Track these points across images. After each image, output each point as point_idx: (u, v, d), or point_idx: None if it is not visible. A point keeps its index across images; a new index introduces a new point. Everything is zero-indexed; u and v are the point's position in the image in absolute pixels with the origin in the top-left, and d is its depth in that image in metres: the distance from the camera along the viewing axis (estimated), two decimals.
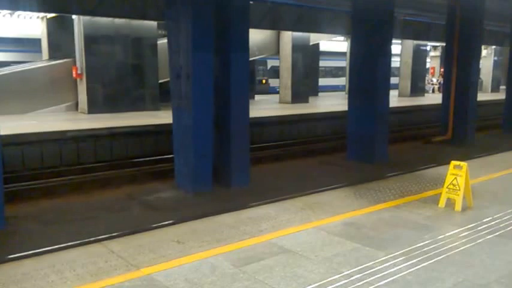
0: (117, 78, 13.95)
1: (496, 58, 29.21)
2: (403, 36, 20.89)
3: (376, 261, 4.21)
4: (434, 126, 15.40)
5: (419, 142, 14.06)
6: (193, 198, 7.77)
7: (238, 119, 8.34)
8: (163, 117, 12.07)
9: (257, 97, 21.54)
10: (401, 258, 4.27)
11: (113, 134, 10.86)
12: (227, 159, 8.37)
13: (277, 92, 20.60)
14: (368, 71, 10.48)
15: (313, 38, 19.84)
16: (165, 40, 10.42)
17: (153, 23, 14.36)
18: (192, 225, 5.21)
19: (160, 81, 14.76)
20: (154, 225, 5.68)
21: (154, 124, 11.54)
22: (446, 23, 13.77)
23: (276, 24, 16.44)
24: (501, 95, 21.72)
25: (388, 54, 10.78)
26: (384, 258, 4.28)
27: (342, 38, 24.31)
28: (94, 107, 13.59)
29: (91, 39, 13.45)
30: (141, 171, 9.93)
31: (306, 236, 4.83)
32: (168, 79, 8.62)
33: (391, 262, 4.19)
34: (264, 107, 17.43)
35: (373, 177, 7.76)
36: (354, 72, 11.13)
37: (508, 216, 5.57)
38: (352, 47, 11.25)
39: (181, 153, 8.18)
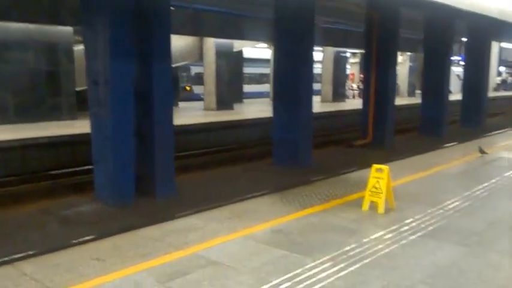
0: (30, 87, 13.07)
1: (411, 64, 30.87)
2: (324, 43, 21.50)
3: (305, 267, 4.17)
4: (356, 130, 15.93)
5: (341, 146, 14.46)
6: (115, 211, 7.37)
7: (162, 127, 8.08)
8: (81, 126, 11.46)
9: (181, 104, 21.20)
10: (329, 264, 4.26)
11: (24, 145, 10.11)
12: (151, 169, 8.07)
13: (202, 99, 20.41)
14: (291, 78, 10.59)
15: (237, 44, 19.86)
16: (82, 46, 9.90)
17: (69, 28, 13.64)
18: (114, 240, 4.89)
19: (77, 89, 14.03)
20: (72, 242, 5.29)
21: (71, 134, 10.92)
22: (364, 30, 14.32)
23: (198, 30, 16.25)
24: (417, 100, 23.03)
25: (310, 61, 10.97)
26: (312, 264, 4.25)
27: (265, 45, 24.56)
28: (4, 118, 12.61)
29: (1, 46, 12.49)
30: (58, 184, 9.33)
31: (233, 246, 4.71)
32: (86, 87, 8.18)
33: (320, 268, 4.17)
34: (188, 114, 17.16)
35: (299, 182, 7.80)
36: (277, 79, 11.23)
37: (427, 217, 5.79)
38: (276, 54, 11.35)
39: (101, 164, 7.76)
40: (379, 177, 5.95)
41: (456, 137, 14.72)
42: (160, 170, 8.09)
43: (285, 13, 10.53)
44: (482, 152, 10.13)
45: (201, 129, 13.86)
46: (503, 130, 16.41)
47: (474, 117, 18.43)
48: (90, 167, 8.53)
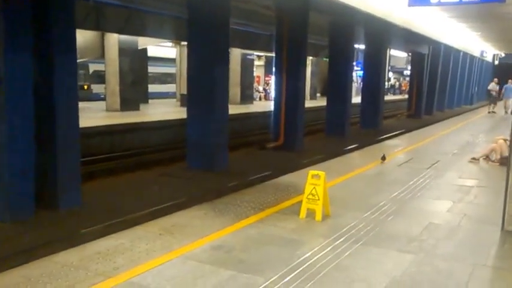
0: None
1: (313, 68, 31.73)
2: (233, 45, 21.17)
3: None
4: (266, 132, 15.78)
5: (253, 148, 14.18)
6: (11, 228, 6.29)
7: (65, 130, 7.14)
8: None
9: (79, 104, 19.58)
10: (282, 282, 3.85)
11: None
12: (53, 177, 7.07)
13: (102, 99, 19.00)
14: (207, 78, 10.08)
15: (142, 42, 18.84)
16: None
17: None
18: (22, 271, 3.99)
19: None
20: None
21: None
22: (276, 33, 14.19)
23: (100, 25, 15.05)
24: (318, 102, 23.67)
25: (227, 61, 10.56)
26: (266, 284, 3.81)
27: (170, 43, 23.66)
28: None
29: None
30: None
31: (172, 268, 4.09)
32: None
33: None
34: (89, 115, 15.79)
35: (225, 189, 7.35)
36: (192, 80, 10.61)
37: (364, 222, 5.63)
38: (190, 53, 10.71)
39: None
40: (315, 184, 5.67)
41: (359, 138, 15.27)
42: (65, 179, 7.11)
43: (200, 11, 9.96)
44: (383, 158, 10.30)
45: (106, 131, 12.79)
46: (399, 131, 17.35)
47: (373, 119, 19.26)
48: None
